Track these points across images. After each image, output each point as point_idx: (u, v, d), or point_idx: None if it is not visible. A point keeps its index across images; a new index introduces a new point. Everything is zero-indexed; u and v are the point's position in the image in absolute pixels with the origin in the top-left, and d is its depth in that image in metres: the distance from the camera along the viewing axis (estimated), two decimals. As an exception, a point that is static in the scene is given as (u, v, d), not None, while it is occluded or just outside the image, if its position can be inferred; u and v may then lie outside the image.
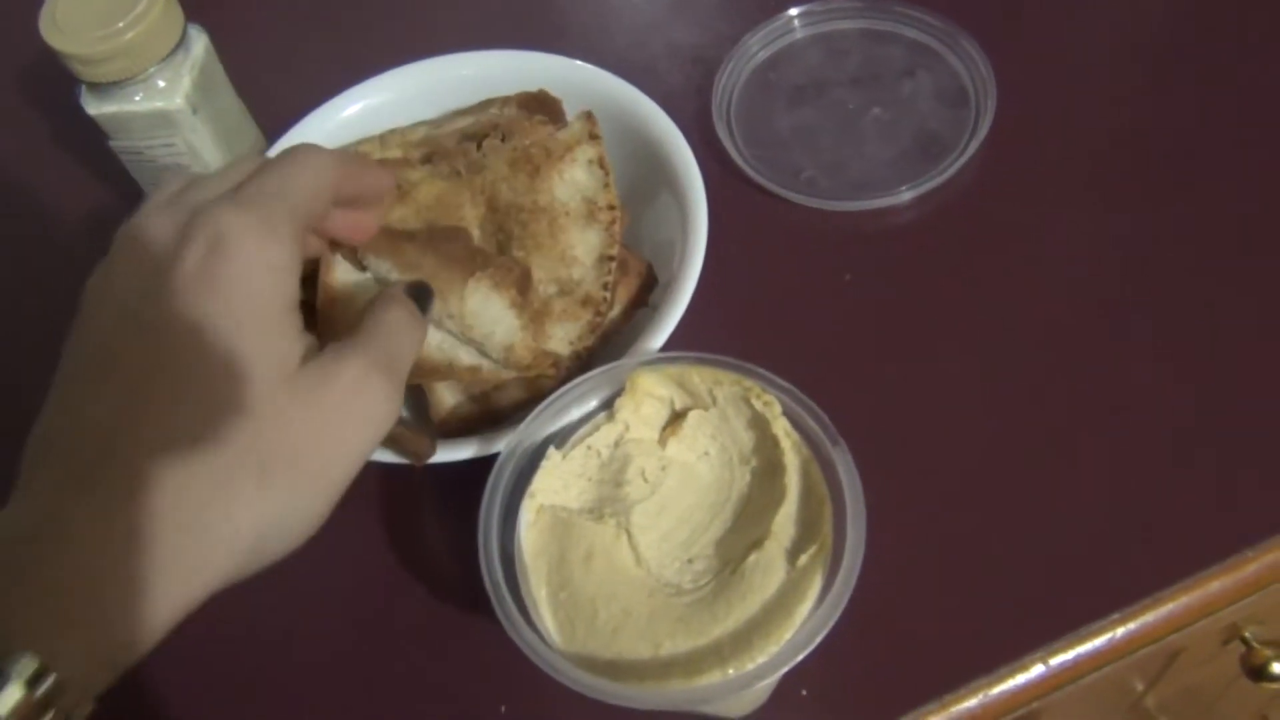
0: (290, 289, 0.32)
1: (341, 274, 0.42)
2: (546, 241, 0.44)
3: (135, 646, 0.28)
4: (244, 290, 0.31)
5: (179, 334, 0.30)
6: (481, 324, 0.41)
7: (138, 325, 0.31)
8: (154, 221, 0.33)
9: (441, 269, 0.42)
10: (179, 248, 0.31)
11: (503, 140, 0.46)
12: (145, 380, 0.30)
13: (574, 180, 0.44)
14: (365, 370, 0.32)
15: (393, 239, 0.42)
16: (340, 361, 0.32)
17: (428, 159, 0.47)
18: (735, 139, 0.57)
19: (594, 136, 0.45)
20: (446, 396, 0.44)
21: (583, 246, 0.44)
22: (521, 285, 0.42)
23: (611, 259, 0.44)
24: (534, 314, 0.43)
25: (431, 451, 0.41)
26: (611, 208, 0.44)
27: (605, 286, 0.44)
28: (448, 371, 0.42)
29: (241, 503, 0.30)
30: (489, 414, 0.44)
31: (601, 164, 0.44)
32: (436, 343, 0.42)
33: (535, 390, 0.43)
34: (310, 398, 0.31)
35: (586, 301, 0.43)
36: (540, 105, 0.49)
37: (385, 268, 0.42)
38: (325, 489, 0.32)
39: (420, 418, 0.41)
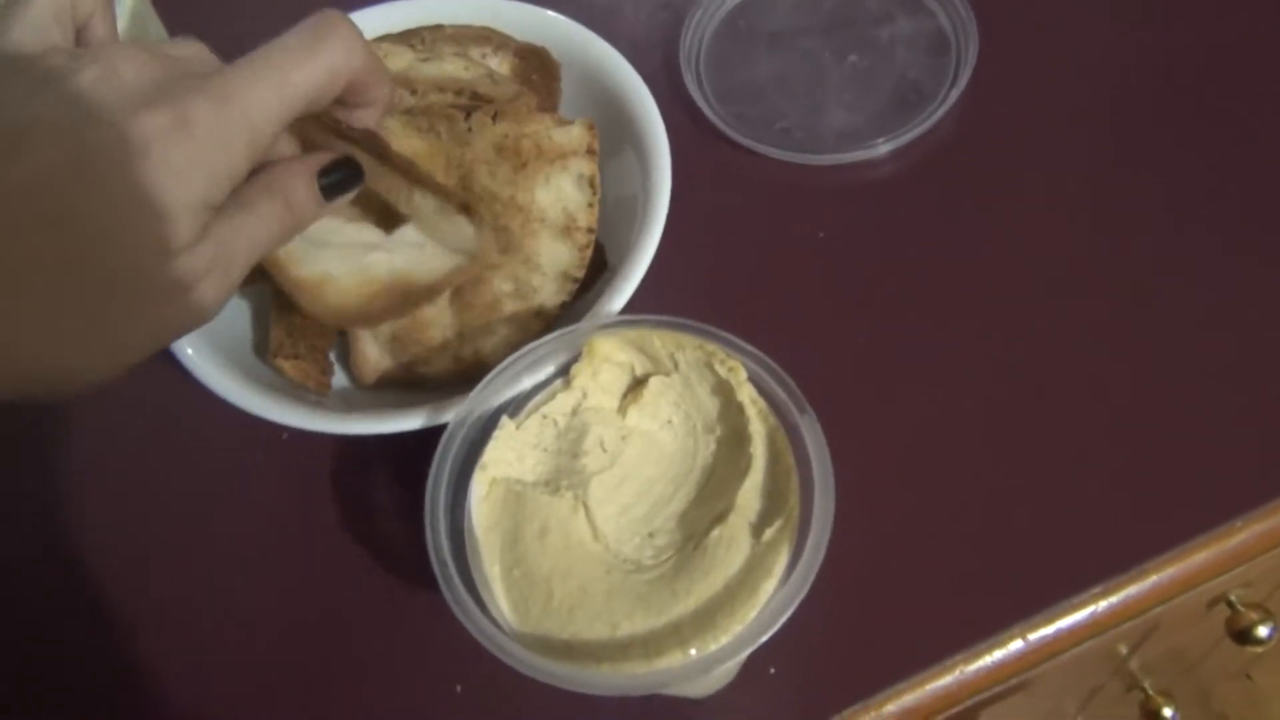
0: (213, 192, 0.31)
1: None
2: (515, 240, 0.42)
3: None
4: (172, 177, 0.30)
5: (99, 165, 0.29)
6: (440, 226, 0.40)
7: (75, 144, 0.29)
8: (137, 62, 0.31)
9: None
10: (143, 105, 0.30)
11: (494, 120, 0.43)
12: (59, 179, 0.29)
13: (559, 189, 0.42)
14: (201, 272, 0.31)
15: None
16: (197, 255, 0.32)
17: (408, 110, 0.44)
18: (704, 90, 0.54)
19: (591, 151, 0.42)
20: (372, 354, 0.42)
21: (549, 257, 0.42)
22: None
23: (576, 280, 0.42)
24: (482, 308, 0.42)
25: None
26: (590, 230, 0.42)
27: (562, 305, 0.43)
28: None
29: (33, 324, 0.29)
30: (413, 382, 0.42)
31: (592, 183, 0.42)
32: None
33: (464, 364, 0.41)
34: (159, 280, 0.31)
35: (539, 313, 0.43)
36: (538, 62, 0.47)
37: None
38: (102, 366, 0.31)
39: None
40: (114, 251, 0.29)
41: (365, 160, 0.37)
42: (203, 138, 0.30)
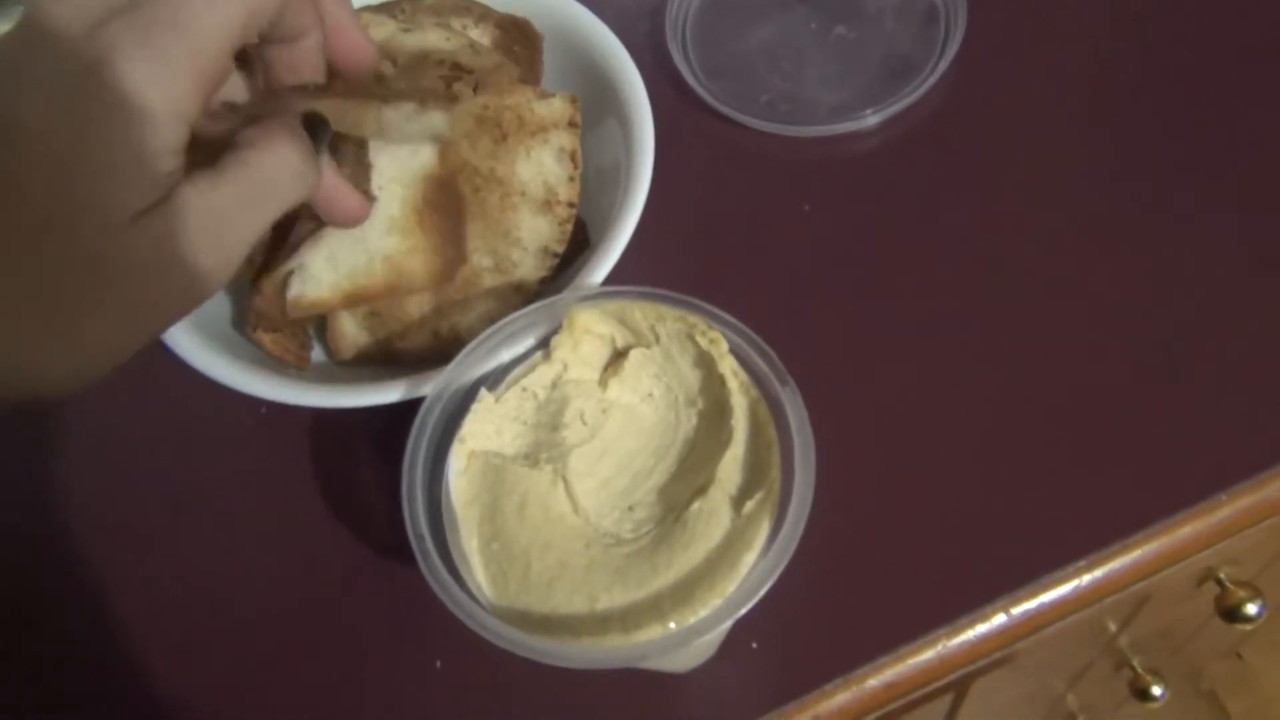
0: (161, 138, 0.28)
1: None
2: (494, 214, 0.42)
3: None
4: (105, 129, 0.27)
5: (23, 142, 0.27)
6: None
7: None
8: (64, 8, 0.28)
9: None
10: (71, 54, 0.27)
11: (475, 91, 0.43)
12: None
13: (540, 162, 0.42)
14: (186, 247, 0.29)
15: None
16: (172, 221, 0.29)
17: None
18: (690, 61, 0.54)
19: (573, 124, 0.42)
20: (349, 329, 0.41)
21: (529, 232, 0.42)
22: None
23: (556, 255, 0.42)
24: (461, 283, 0.41)
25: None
26: (571, 205, 0.42)
27: (541, 281, 0.42)
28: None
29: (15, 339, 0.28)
30: (390, 357, 0.41)
31: (573, 157, 0.42)
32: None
33: (441, 340, 0.41)
34: (127, 253, 0.28)
35: (519, 288, 0.42)
36: (520, 34, 0.47)
37: None
38: (94, 359, 0.30)
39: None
40: (65, 224, 0.27)
41: (326, 108, 0.35)
42: (141, 74, 0.27)
